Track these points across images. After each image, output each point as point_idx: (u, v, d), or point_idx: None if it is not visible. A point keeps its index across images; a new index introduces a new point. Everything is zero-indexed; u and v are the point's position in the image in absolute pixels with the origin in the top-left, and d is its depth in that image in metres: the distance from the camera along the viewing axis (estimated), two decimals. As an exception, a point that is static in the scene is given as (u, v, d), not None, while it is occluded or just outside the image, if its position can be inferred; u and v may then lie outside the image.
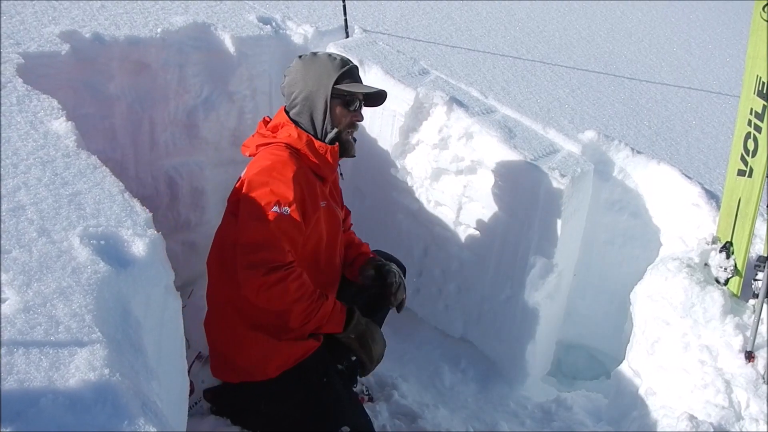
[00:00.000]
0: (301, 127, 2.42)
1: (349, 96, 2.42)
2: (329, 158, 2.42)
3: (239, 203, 2.27)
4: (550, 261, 3.22)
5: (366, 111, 3.51)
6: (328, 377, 2.49)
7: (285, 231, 2.22)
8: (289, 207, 2.23)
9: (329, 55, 2.47)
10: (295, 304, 2.24)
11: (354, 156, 2.54)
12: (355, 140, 2.55)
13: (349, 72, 2.44)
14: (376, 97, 2.54)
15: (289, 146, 2.38)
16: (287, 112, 2.47)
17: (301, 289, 2.22)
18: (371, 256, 2.75)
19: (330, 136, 2.44)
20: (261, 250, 2.18)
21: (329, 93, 2.39)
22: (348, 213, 2.89)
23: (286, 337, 2.40)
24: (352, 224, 2.93)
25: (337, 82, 2.40)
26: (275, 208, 2.20)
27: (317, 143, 2.41)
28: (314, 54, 2.48)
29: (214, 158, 3.37)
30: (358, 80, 2.49)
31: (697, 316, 2.72)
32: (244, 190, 2.27)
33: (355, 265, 2.73)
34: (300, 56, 2.50)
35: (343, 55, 2.60)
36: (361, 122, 2.51)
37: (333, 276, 2.61)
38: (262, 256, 2.18)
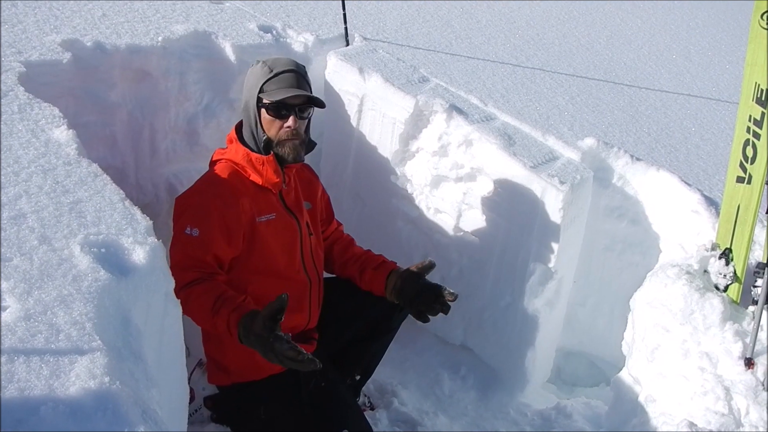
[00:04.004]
0: (244, 140, 2.47)
1: (271, 104, 2.39)
2: (266, 169, 2.43)
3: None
4: (549, 268, 3.23)
5: (366, 118, 3.58)
6: (326, 381, 2.50)
7: (190, 253, 2.28)
8: (199, 228, 2.29)
9: (265, 62, 2.44)
10: (200, 322, 2.26)
11: (297, 161, 2.48)
12: (309, 144, 2.53)
13: (273, 79, 2.39)
14: (309, 102, 2.45)
15: (233, 163, 2.45)
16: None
17: (198, 309, 2.20)
18: (396, 268, 2.71)
19: (263, 142, 2.44)
20: (173, 271, 2.13)
21: (255, 103, 2.41)
22: (337, 224, 2.92)
23: None
24: (343, 231, 2.94)
25: (261, 91, 2.39)
26: (187, 230, 2.29)
27: (254, 156, 2.43)
28: (258, 61, 2.47)
29: (215, 166, 3.39)
30: (288, 85, 2.39)
31: (697, 323, 2.72)
32: (174, 208, 2.41)
33: (379, 277, 2.69)
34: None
35: (290, 59, 2.51)
36: (295, 128, 2.40)
37: (300, 283, 2.57)
38: (174, 276, 2.13)
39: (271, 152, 2.43)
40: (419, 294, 2.57)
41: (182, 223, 2.32)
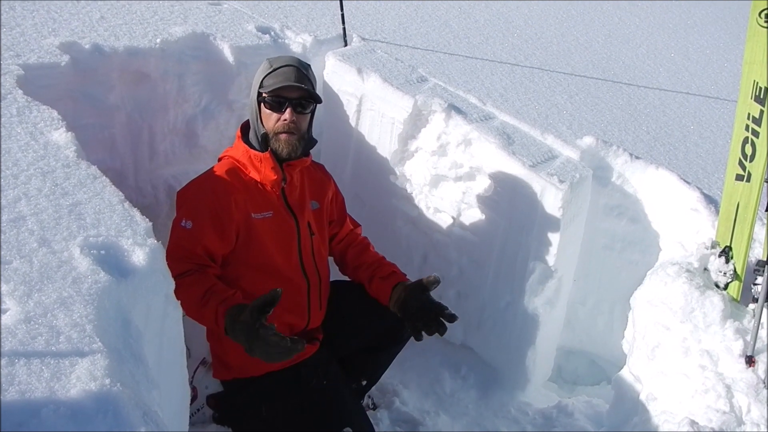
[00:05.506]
0: (247, 139, 2.51)
1: (268, 97, 2.41)
2: (264, 166, 2.45)
3: None
4: (549, 267, 3.23)
5: (364, 118, 3.58)
6: (329, 379, 2.50)
7: (182, 244, 2.32)
8: (192, 221, 2.33)
9: (269, 58, 2.49)
10: (189, 313, 2.26)
11: (291, 157, 2.47)
12: (309, 141, 2.54)
13: (274, 72, 2.42)
14: (309, 96, 2.45)
15: (235, 160, 2.49)
16: None
17: (188, 300, 2.20)
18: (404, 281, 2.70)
19: (261, 136, 2.46)
20: (167, 261, 2.16)
21: (255, 98, 2.46)
22: (353, 226, 2.91)
23: None
24: (360, 233, 2.93)
25: (261, 86, 2.43)
26: (182, 223, 2.34)
27: (253, 153, 2.46)
28: (265, 60, 2.51)
29: (214, 167, 3.39)
30: (286, 80, 2.40)
31: (697, 321, 2.72)
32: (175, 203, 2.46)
33: (385, 287, 2.68)
34: None
35: (294, 57, 2.55)
36: (292, 120, 2.41)
37: (298, 283, 2.56)
38: (169, 266, 2.21)
39: (269, 149, 2.44)
40: (420, 310, 2.57)
41: (179, 216, 2.36)
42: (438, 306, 2.57)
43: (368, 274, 2.74)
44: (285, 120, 2.41)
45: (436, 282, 2.62)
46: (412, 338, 2.87)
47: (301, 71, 2.46)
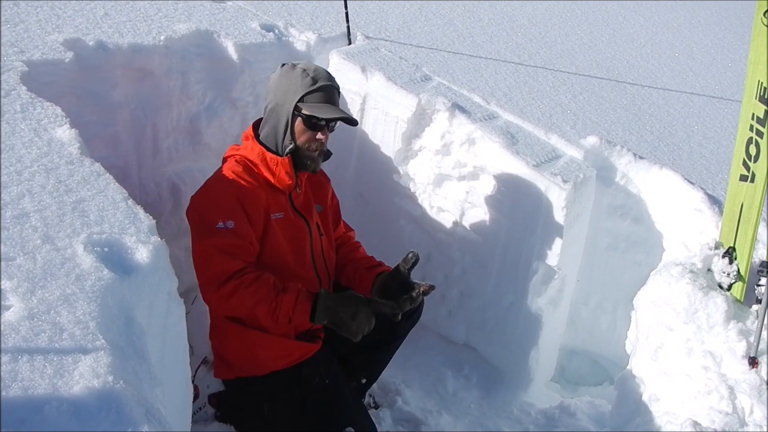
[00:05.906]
0: (260, 140, 2.48)
1: (311, 117, 2.40)
2: (279, 170, 2.44)
3: (189, 220, 2.39)
4: (552, 267, 3.22)
5: (368, 117, 3.57)
6: (330, 379, 2.49)
7: (234, 243, 2.28)
8: (233, 221, 2.30)
9: (304, 69, 2.43)
10: (256, 308, 2.26)
11: (314, 172, 2.53)
12: (326, 153, 2.54)
13: (317, 92, 2.40)
14: (346, 120, 2.49)
15: (247, 160, 2.47)
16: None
17: (257, 293, 2.23)
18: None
19: (288, 149, 2.44)
20: (209, 267, 2.25)
21: (291, 110, 2.41)
22: (346, 229, 2.90)
23: (275, 331, 2.42)
24: (353, 237, 2.92)
25: (301, 100, 2.39)
26: (219, 225, 2.28)
27: (269, 156, 2.44)
28: (293, 66, 2.46)
29: (217, 164, 3.35)
30: (328, 101, 2.42)
31: (701, 322, 2.71)
32: (189, 207, 2.39)
33: (368, 277, 2.65)
34: (283, 65, 2.49)
35: (326, 70, 2.51)
36: (325, 140, 2.46)
37: (310, 281, 2.55)
38: (212, 272, 2.24)
39: (288, 155, 2.43)
40: (397, 292, 2.47)
41: (211, 220, 2.30)
42: (412, 285, 2.47)
43: (353, 268, 2.74)
44: (320, 139, 2.43)
45: (414, 259, 2.50)
46: (412, 336, 2.87)
47: (337, 89, 2.48)
